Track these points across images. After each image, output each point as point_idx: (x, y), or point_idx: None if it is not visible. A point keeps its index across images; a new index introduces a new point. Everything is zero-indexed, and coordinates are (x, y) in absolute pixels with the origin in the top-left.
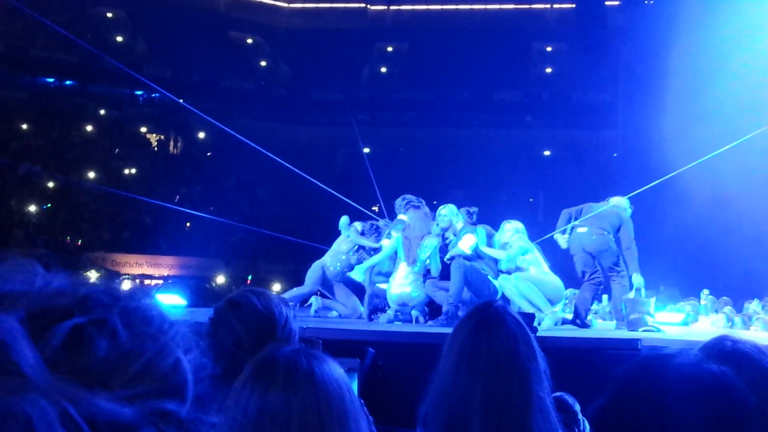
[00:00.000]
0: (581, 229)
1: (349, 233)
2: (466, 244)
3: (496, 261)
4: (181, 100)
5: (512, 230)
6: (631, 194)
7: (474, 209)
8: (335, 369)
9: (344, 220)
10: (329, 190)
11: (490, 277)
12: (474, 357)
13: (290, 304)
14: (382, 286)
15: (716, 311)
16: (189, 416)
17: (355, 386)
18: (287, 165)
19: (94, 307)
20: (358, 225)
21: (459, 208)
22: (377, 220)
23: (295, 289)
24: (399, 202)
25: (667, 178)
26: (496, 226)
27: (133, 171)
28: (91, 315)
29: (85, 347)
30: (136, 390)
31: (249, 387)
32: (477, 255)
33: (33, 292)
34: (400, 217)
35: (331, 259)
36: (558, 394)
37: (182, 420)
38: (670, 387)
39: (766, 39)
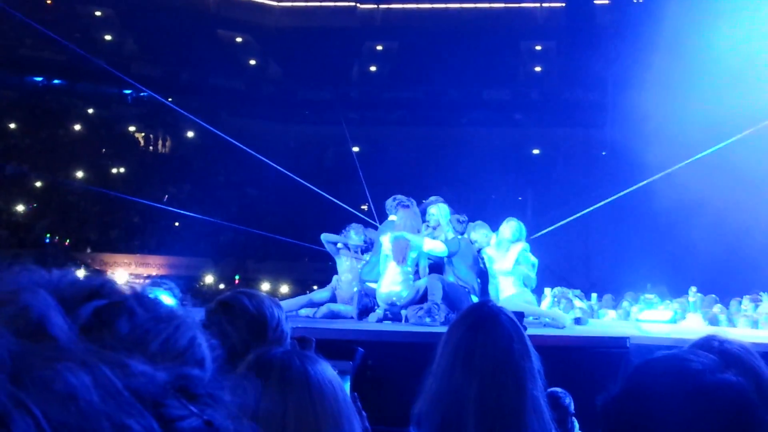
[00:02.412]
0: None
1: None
2: (429, 245)
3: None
4: (169, 99)
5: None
6: (620, 194)
7: (464, 217)
8: (328, 369)
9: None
10: (317, 190)
11: (473, 297)
12: (469, 356)
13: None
14: (372, 285)
15: (703, 309)
16: (208, 388)
17: (347, 388)
18: (275, 165)
19: (111, 293)
20: (342, 250)
21: (449, 207)
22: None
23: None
24: (390, 203)
25: (655, 177)
26: (490, 224)
27: (122, 170)
28: (110, 298)
29: (109, 326)
30: (159, 365)
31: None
32: (453, 271)
33: (53, 283)
34: (391, 218)
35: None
36: (550, 389)
37: (206, 385)
38: (686, 392)
39: (756, 39)
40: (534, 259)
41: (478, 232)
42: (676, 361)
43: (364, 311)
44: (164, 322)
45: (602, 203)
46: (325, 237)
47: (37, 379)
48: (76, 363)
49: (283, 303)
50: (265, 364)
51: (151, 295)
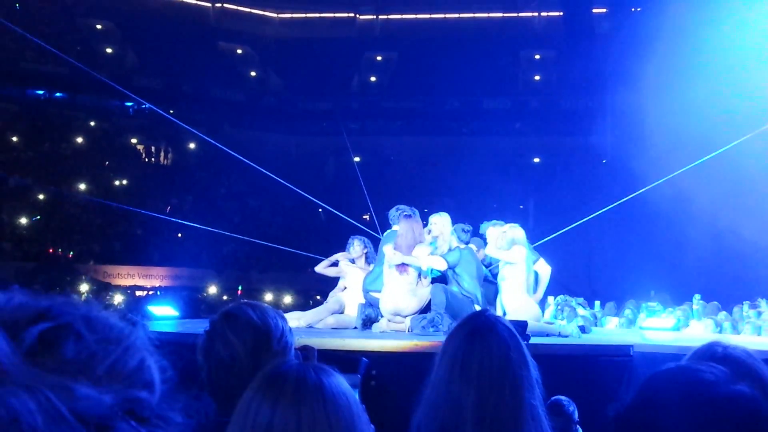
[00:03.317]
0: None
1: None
2: (427, 263)
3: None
4: (171, 111)
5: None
6: (621, 200)
7: (468, 227)
8: (342, 382)
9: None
10: (318, 202)
11: (476, 306)
12: (466, 365)
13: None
14: (376, 295)
15: (706, 316)
16: (158, 410)
17: None
18: (275, 177)
19: (58, 315)
20: (343, 264)
21: (451, 216)
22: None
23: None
24: (393, 213)
25: (656, 184)
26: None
27: (124, 182)
28: (56, 321)
29: (54, 349)
30: (106, 388)
31: (258, 400)
32: (457, 281)
33: None
34: (394, 228)
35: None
36: (555, 397)
37: (154, 408)
38: (700, 404)
39: (754, 45)
40: (547, 267)
41: (496, 229)
42: (688, 372)
43: (368, 322)
44: (112, 345)
45: (603, 210)
46: (318, 268)
47: None
48: (19, 387)
49: (308, 312)
50: (280, 376)
51: (103, 313)
